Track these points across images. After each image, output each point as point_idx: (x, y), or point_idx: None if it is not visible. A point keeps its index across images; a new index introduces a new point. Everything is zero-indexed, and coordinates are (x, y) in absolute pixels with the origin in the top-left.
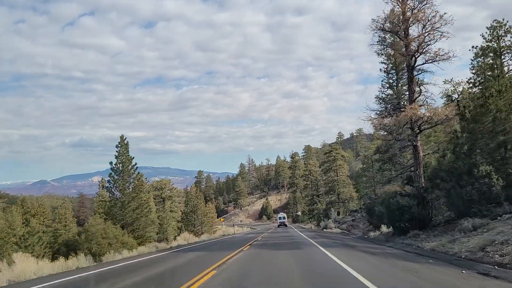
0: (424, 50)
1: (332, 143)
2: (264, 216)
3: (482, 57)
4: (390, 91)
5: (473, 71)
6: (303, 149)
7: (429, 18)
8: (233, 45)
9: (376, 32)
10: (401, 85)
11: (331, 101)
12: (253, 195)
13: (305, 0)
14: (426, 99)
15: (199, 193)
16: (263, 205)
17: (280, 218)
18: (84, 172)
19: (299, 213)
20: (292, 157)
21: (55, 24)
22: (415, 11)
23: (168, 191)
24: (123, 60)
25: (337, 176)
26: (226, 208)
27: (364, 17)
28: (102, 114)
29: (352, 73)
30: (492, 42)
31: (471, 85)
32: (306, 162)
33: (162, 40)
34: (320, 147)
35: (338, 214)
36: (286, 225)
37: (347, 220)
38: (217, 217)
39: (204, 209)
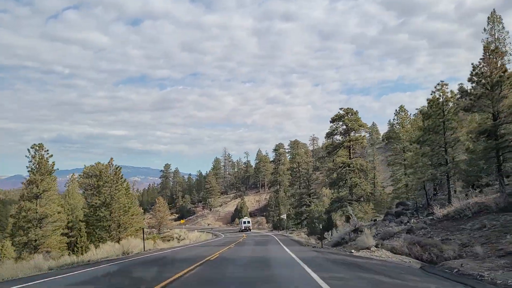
0: None
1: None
2: (237, 219)
3: None
4: None
5: None
6: (289, 144)
7: None
8: (220, 47)
9: None
10: None
11: (314, 109)
12: (227, 194)
13: (294, 7)
14: None
15: (118, 172)
16: (237, 206)
17: (244, 222)
18: (62, 169)
19: (284, 216)
20: (276, 149)
21: (38, 16)
22: None
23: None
24: (107, 56)
25: (350, 157)
26: (194, 209)
27: (350, 29)
28: (83, 110)
29: (336, 83)
30: None
31: None
32: (294, 154)
33: (148, 39)
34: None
35: (348, 219)
36: (250, 230)
37: (394, 230)
38: (180, 219)
39: (125, 201)
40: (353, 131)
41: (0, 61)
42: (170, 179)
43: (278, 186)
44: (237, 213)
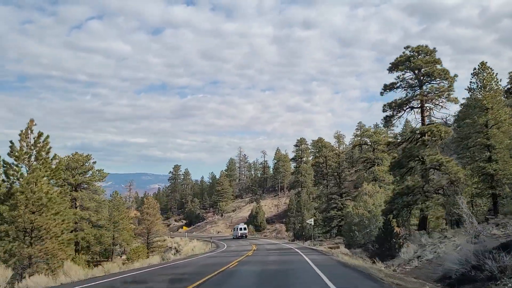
0: None
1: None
2: (250, 227)
3: None
4: None
5: None
6: (311, 144)
7: None
8: (239, 55)
9: None
10: None
11: (334, 117)
12: (241, 198)
13: (314, 14)
14: None
15: (44, 144)
16: (252, 211)
17: (240, 229)
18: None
19: (310, 221)
20: (297, 145)
21: (62, 26)
22: None
23: None
24: (129, 65)
25: (424, 123)
26: (204, 214)
27: (371, 35)
28: (105, 118)
29: (357, 90)
30: None
31: None
32: (319, 147)
33: (168, 47)
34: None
35: (423, 225)
36: (246, 237)
37: None
38: (188, 225)
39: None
40: (430, 79)
41: (27, 71)
42: (180, 181)
43: (300, 188)
44: (252, 219)
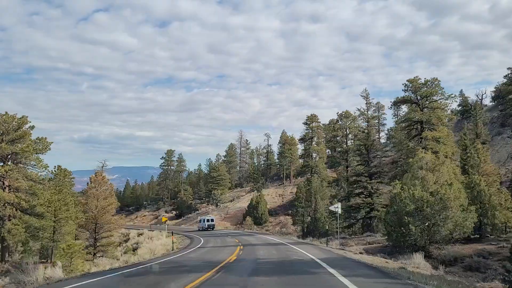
0: None
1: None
2: (249, 218)
3: None
4: None
5: None
6: (325, 126)
7: None
8: (246, 49)
9: None
10: None
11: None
12: (242, 187)
13: (322, 8)
14: None
15: None
16: (252, 201)
17: (207, 220)
18: (90, 169)
19: (336, 208)
20: (307, 123)
21: (69, 18)
22: None
23: None
24: (135, 58)
25: None
26: (197, 205)
27: (379, 30)
28: (111, 111)
29: (364, 85)
30: None
31: None
32: (341, 116)
33: (175, 40)
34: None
35: None
36: (213, 228)
37: None
38: (179, 217)
39: None
40: None
41: (34, 63)
42: (173, 167)
43: (310, 173)
44: (252, 210)
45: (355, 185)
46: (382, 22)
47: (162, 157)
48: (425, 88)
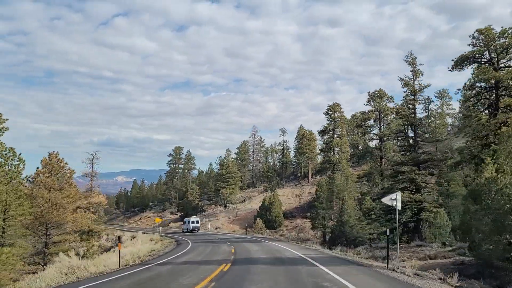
0: None
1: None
2: (259, 221)
3: None
4: None
5: None
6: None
7: None
8: (263, 53)
9: None
10: None
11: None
12: (254, 187)
13: (339, 12)
14: None
15: None
16: (264, 201)
17: (192, 222)
18: (109, 171)
19: (394, 201)
20: (329, 113)
21: (89, 22)
22: None
23: None
24: (153, 62)
25: None
26: (205, 206)
27: (398, 34)
28: (130, 114)
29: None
30: None
31: None
32: (373, 96)
33: (192, 44)
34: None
35: None
36: (198, 230)
37: None
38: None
39: None
40: None
41: (55, 67)
42: (181, 165)
43: (331, 170)
44: (264, 212)
45: (396, 178)
46: (400, 25)
47: (170, 154)
48: (503, 40)
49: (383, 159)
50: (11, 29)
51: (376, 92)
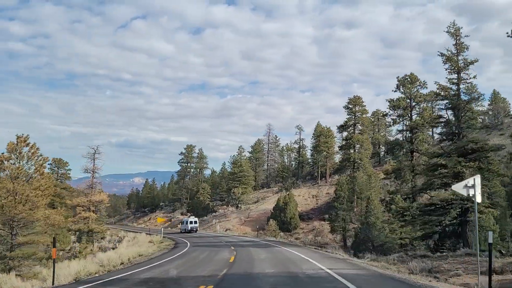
0: None
1: None
2: (272, 223)
3: None
4: None
5: None
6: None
7: None
8: (279, 55)
9: None
10: None
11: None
12: (269, 187)
13: (357, 14)
14: None
15: None
16: (278, 201)
17: (190, 222)
18: (126, 172)
19: (473, 186)
20: (349, 107)
21: (108, 25)
22: None
23: None
24: (171, 64)
25: None
26: (217, 207)
27: (417, 36)
28: (147, 117)
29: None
30: None
31: None
32: (404, 81)
33: (208, 47)
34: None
35: None
36: (196, 231)
37: None
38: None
39: None
40: None
41: (75, 69)
42: (192, 164)
43: (352, 168)
44: (278, 213)
45: (435, 172)
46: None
47: (181, 153)
48: None
49: (414, 153)
50: (33, 32)
51: (407, 77)
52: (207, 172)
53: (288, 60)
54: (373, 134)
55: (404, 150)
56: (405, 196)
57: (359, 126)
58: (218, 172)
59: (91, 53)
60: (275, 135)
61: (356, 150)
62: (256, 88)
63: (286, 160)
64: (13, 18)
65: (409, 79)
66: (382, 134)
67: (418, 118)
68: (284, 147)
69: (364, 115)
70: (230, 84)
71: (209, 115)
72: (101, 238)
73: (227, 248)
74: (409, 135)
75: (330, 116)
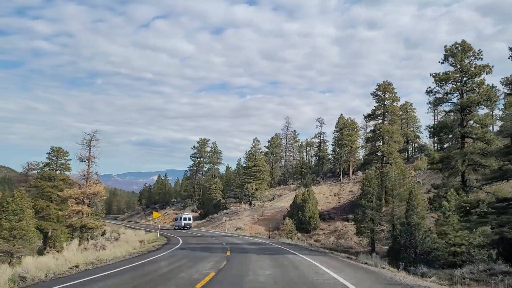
0: None
1: None
2: (289, 222)
3: None
4: None
5: None
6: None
7: None
8: (300, 56)
9: None
10: None
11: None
12: (286, 184)
13: (379, 14)
14: None
15: None
16: (295, 198)
17: (184, 218)
18: (146, 171)
19: None
20: (376, 93)
21: (130, 25)
22: None
23: None
24: (191, 64)
25: None
26: (230, 203)
27: (440, 36)
28: (167, 116)
29: (421, 94)
30: None
31: None
32: (457, 48)
33: (229, 47)
34: None
35: None
36: (190, 228)
37: None
38: (204, 216)
39: None
40: None
41: (98, 68)
42: (205, 158)
43: (380, 163)
44: (295, 211)
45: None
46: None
47: (194, 146)
48: None
49: (465, 138)
50: (57, 30)
51: (457, 45)
52: (222, 169)
53: (308, 60)
54: (401, 128)
55: (454, 134)
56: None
57: (389, 116)
58: (233, 169)
59: (113, 52)
60: (294, 130)
61: (385, 142)
62: (276, 88)
63: (305, 156)
64: (38, 17)
65: (460, 48)
66: (410, 129)
67: (472, 94)
68: (303, 143)
69: (394, 103)
70: (250, 84)
71: (227, 115)
72: (101, 235)
73: (220, 254)
74: (460, 116)
75: (349, 117)
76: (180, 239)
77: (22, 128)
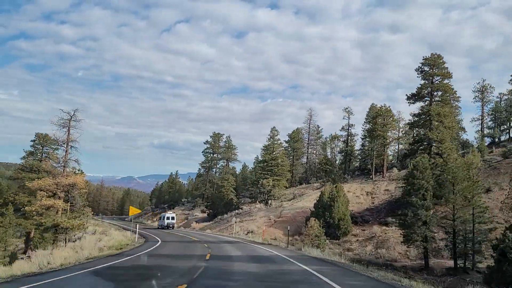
0: None
1: None
2: (314, 223)
3: None
4: None
5: None
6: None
7: None
8: (321, 59)
9: None
10: None
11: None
12: (308, 183)
13: (402, 18)
14: None
15: None
16: (322, 196)
17: (167, 218)
18: (167, 173)
19: None
20: (423, 69)
21: (153, 29)
22: None
23: None
24: (212, 67)
25: None
26: (243, 205)
27: (465, 40)
28: (188, 119)
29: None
30: None
31: None
32: None
33: (251, 50)
34: None
35: None
36: (173, 227)
37: None
38: (213, 217)
39: None
40: None
41: (121, 71)
42: (219, 155)
43: (428, 153)
44: (321, 211)
45: None
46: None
47: (207, 141)
48: None
49: None
50: (82, 34)
51: None
52: (238, 168)
53: (331, 64)
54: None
55: None
56: None
57: (439, 96)
58: (250, 168)
59: (136, 56)
60: (317, 125)
61: (434, 128)
62: (297, 92)
63: (329, 154)
64: (65, 22)
65: None
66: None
67: None
68: (327, 138)
69: (445, 80)
70: (270, 88)
71: (248, 119)
72: (92, 234)
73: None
74: None
75: (384, 104)
76: (156, 245)
77: (47, 130)
